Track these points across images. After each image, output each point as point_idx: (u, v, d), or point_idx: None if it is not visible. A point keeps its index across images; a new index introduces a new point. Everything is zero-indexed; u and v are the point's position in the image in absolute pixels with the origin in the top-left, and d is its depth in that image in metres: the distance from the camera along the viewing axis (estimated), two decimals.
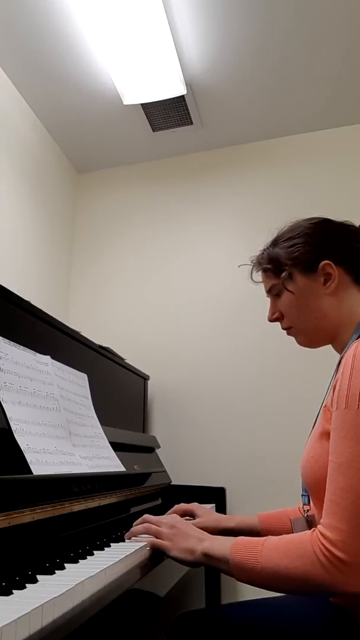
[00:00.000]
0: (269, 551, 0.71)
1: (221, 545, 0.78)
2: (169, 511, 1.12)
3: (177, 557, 0.82)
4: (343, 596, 0.81)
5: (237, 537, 0.78)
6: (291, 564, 0.68)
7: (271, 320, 0.98)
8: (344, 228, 0.94)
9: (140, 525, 0.90)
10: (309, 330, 0.94)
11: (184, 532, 0.84)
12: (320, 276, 0.90)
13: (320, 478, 0.73)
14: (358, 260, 0.91)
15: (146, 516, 0.92)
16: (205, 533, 0.85)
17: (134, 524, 0.93)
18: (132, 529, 0.92)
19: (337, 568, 0.64)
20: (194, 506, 1.10)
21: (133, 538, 0.93)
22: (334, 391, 0.76)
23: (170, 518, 0.90)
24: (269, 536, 0.75)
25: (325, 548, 0.65)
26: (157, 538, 0.86)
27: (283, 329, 0.98)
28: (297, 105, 2.05)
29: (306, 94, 1.99)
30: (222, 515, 1.11)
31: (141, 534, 0.90)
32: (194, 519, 1.07)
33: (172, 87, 1.87)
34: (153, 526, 0.88)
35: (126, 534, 0.93)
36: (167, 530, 0.85)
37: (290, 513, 1.05)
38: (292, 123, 2.15)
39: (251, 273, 1.01)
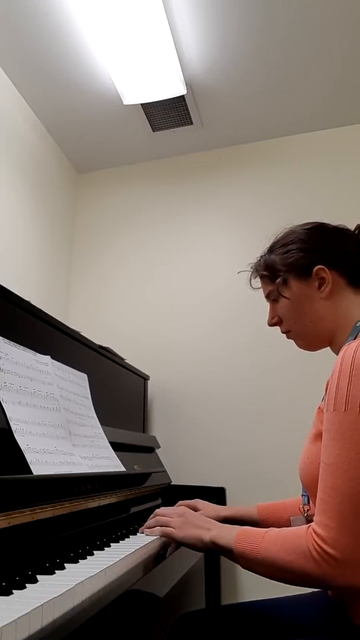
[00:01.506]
0: (268, 543, 0.75)
1: (227, 534, 0.82)
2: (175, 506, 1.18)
3: (188, 544, 0.87)
4: (335, 589, 0.85)
5: (242, 527, 0.82)
6: (287, 557, 0.71)
7: (270, 324, 1.01)
8: (338, 232, 0.96)
9: (152, 520, 0.96)
10: (306, 334, 0.96)
11: (193, 521, 0.89)
12: (314, 281, 0.92)
13: (316, 479, 0.74)
14: (352, 264, 0.92)
15: (157, 510, 0.97)
16: (213, 521, 0.89)
17: (149, 518, 0.99)
18: (146, 523, 0.98)
19: (328, 563, 0.66)
20: (195, 502, 1.17)
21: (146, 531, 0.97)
22: (326, 393, 0.78)
23: (179, 509, 0.95)
24: (271, 528, 0.78)
25: (317, 544, 0.68)
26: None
27: (282, 332, 1.01)
28: (297, 105, 2.05)
29: (306, 93, 1.99)
30: (220, 506, 1.17)
31: (153, 526, 0.95)
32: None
33: (172, 87, 1.87)
34: (163, 518, 0.93)
35: (140, 528, 0.99)
36: (177, 519, 0.90)
37: (289, 505, 1.09)
38: (292, 123, 2.15)
39: (250, 279, 1.04)
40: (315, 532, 0.69)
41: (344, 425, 0.69)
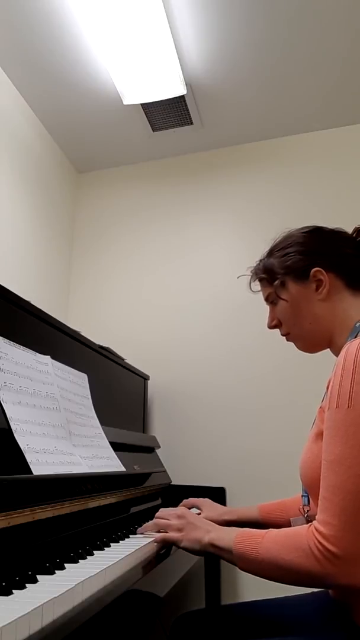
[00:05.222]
0: (268, 543, 0.74)
1: (226, 536, 0.81)
2: (180, 504, 1.19)
3: (187, 547, 0.86)
4: (336, 588, 0.85)
5: (241, 529, 0.82)
6: (287, 556, 0.71)
7: (270, 327, 1.03)
8: (335, 235, 0.97)
9: (150, 522, 0.95)
10: (305, 335, 0.97)
11: (192, 523, 0.88)
12: (312, 283, 0.93)
13: (316, 478, 0.74)
14: (349, 266, 0.93)
15: (157, 514, 0.96)
16: (212, 524, 0.89)
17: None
18: (143, 525, 0.97)
19: (330, 561, 0.66)
20: (202, 502, 1.18)
21: (146, 533, 0.97)
22: (327, 392, 0.78)
23: (179, 510, 0.95)
24: (270, 529, 0.78)
25: (319, 542, 0.67)
26: (167, 531, 0.90)
27: (282, 335, 1.02)
28: (297, 105, 2.05)
29: (306, 93, 1.99)
30: (225, 508, 1.18)
31: (152, 529, 0.94)
32: (201, 512, 1.15)
33: (172, 87, 1.87)
34: (162, 520, 0.92)
35: (138, 529, 0.98)
36: (176, 522, 0.90)
37: (289, 504, 1.10)
38: (292, 123, 2.15)
39: (250, 283, 1.05)
40: (317, 530, 0.68)
41: (346, 422, 0.69)
